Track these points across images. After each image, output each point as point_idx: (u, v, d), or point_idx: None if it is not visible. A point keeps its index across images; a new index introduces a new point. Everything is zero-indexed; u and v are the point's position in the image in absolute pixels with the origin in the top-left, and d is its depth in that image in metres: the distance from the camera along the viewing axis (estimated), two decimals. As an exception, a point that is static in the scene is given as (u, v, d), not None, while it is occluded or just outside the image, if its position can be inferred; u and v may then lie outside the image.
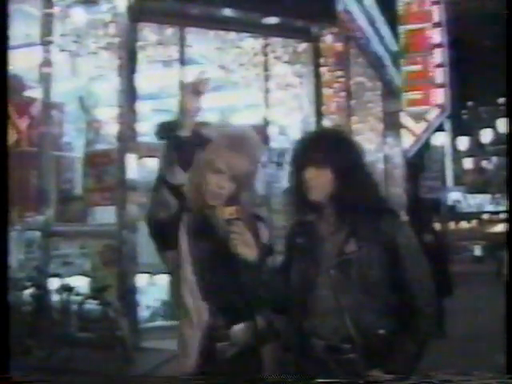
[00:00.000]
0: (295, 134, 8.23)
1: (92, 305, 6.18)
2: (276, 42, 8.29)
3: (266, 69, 8.20)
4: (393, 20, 17.66)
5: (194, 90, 2.00)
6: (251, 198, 2.26)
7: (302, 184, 2.09)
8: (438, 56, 20.71)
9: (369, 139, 12.02)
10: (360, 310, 1.99)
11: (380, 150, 13.19)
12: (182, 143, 2.00)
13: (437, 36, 20.80)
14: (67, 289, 6.27)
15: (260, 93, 8.23)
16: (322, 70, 8.52)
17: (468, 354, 5.94)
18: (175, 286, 2.18)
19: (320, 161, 2.06)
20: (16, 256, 6.74)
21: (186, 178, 2.02)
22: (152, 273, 6.87)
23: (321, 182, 2.07)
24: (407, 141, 18.46)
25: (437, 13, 21.02)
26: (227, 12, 7.59)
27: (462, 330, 7.25)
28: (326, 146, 2.10)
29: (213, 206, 2.13)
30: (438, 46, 20.79)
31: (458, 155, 30.09)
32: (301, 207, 2.17)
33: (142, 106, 7.22)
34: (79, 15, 7.21)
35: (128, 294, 6.64)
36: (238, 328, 2.10)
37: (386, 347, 1.97)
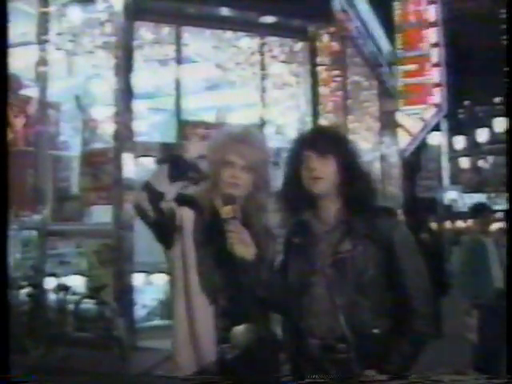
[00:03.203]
0: (292, 133, 8.23)
1: (88, 304, 6.17)
2: (273, 41, 8.28)
3: (262, 68, 8.19)
4: (390, 19, 17.69)
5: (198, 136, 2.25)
6: (264, 198, 2.28)
7: (304, 175, 2.09)
8: (435, 55, 20.74)
9: (365, 138, 12.02)
10: (355, 309, 1.99)
11: (376, 149, 13.19)
12: (178, 161, 2.14)
13: (433, 35, 20.83)
14: (64, 288, 6.26)
15: (256, 92, 8.22)
16: (319, 69, 8.52)
17: (466, 354, 5.95)
18: (175, 286, 2.19)
19: (325, 151, 2.06)
20: (12, 255, 6.73)
21: (169, 191, 2.10)
22: (149, 272, 6.86)
23: (325, 173, 2.06)
24: (404, 140, 18.48)
25: (433, 12, 21.04)
26: (224, 11, 7.58)
27: (458, 330, 7.24)
28: (330, 138, 2.11)
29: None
30: (435, 45, 20.81)
31: (454, 154, 30.09)
32: (298, 205, 2.16)
33: (138, 105, 7.21)
34: (75, 14, 7.20)
35: (125, 294, 6.63)
36: (239, 330, 2.10)
37: (381, 347, 1.97)
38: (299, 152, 2.13)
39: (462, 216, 28.89)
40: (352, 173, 2.08)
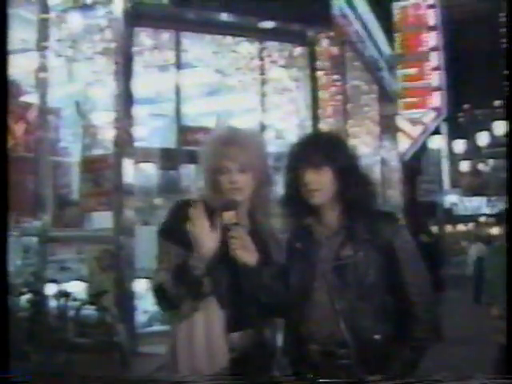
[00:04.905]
0: (292, 137, 8.24)
1: (89, 310, 6.16)
2: (272, 46, 8.31)
3: (262, 73, 8.21)
4: (389, 23, 17.73)
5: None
6: (269, 193, 2.25)
7: (301, 188, 2.08)
8: (434, 59, 20.77)
9: (365, 143, 12.03)
10: (356, 314, 1.98)
11: (377, 153, 13.21)
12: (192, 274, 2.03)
13: (433, 39, 20.87)
14: (64, 294, 6.25)
15: (256, 97, 8.24)
16: (319, 73, 8.55)
17: (464, 357, 5.95)
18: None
19: (319, 163, 2.05)
20: (13, 262, 6.72)
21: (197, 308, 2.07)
22: (149, 278, 6.85)
23: (321, 184, 2.06)
24: (404, 144, 18.50)
25: (432, 16, 21.09)
26: (223, 16, 7.61)
27: (458, 334, 7.24)
28: (324, 148, 2.09)
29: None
30: (434, 49, 20.85)
31: (454, 158, 30.09)
32: (299, 211, 2.16)
33: (138, 111, 7.22)
34: (75, 20, 7.22)
35: (125, 299, 6.63)
36: (237, 335, 2.09)
37: (382, 353, 1.97)
38: (293, 165, 2.13)
39: (462, 219, 28.90)
40: (350, 178, 2.06)
